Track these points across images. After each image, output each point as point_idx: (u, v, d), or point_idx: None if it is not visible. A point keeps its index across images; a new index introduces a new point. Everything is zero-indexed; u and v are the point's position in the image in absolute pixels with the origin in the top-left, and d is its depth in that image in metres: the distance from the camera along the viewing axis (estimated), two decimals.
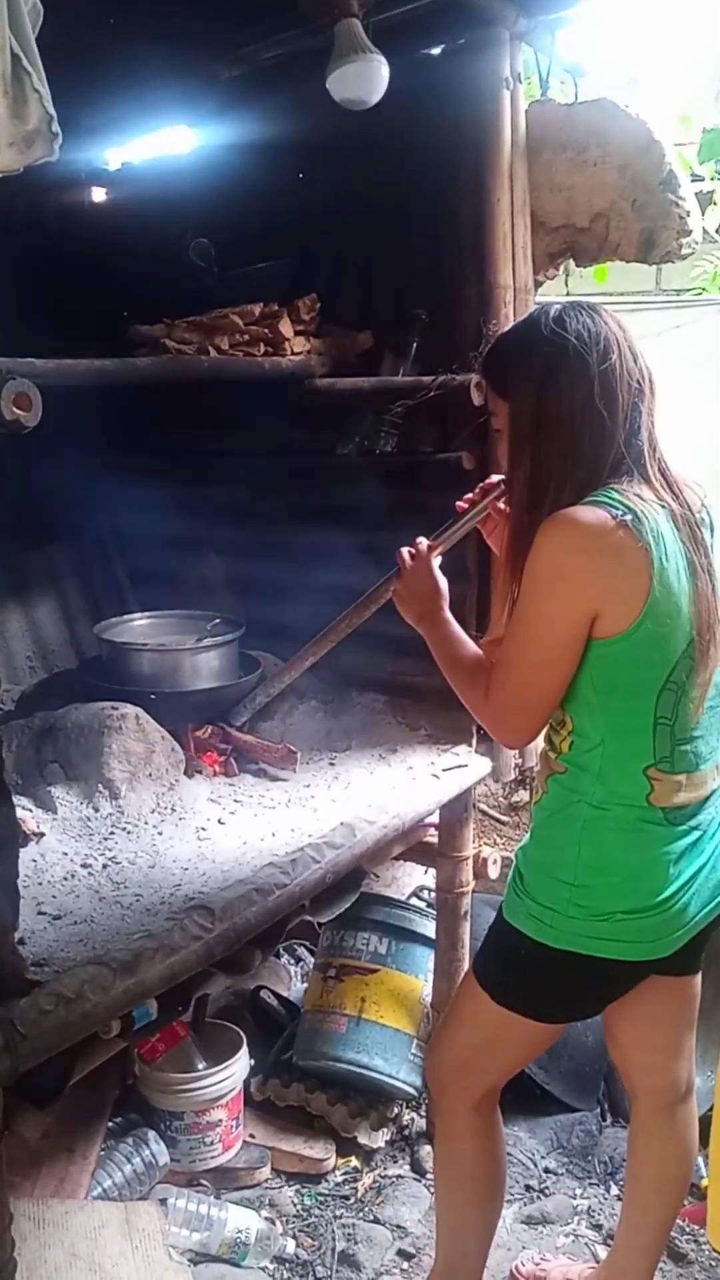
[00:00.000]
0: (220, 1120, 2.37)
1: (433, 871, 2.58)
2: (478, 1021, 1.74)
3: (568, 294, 4.18)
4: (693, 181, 2.43)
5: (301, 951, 3.15)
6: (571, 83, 2.56)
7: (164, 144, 3.02)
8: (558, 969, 1.62)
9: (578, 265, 2.50)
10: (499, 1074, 1.80)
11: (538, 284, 2.49)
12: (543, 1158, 2.49)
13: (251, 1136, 2.47)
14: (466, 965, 2.43)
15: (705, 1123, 2.12)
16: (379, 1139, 2.50)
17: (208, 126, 2.82)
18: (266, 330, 2.36)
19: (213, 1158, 2.37)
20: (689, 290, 4.92)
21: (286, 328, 2.38)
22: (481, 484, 1.86)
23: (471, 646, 1.75)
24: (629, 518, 1.46)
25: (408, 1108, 2.60)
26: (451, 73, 2.36)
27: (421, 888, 3.06)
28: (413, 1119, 2.59)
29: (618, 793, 1.55)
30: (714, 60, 4.05)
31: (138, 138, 3.02)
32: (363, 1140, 2.47)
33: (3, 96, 1.09)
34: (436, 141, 2.38)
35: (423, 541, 1.82)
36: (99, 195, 3.16)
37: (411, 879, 3.14)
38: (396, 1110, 2.57)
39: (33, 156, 1.16)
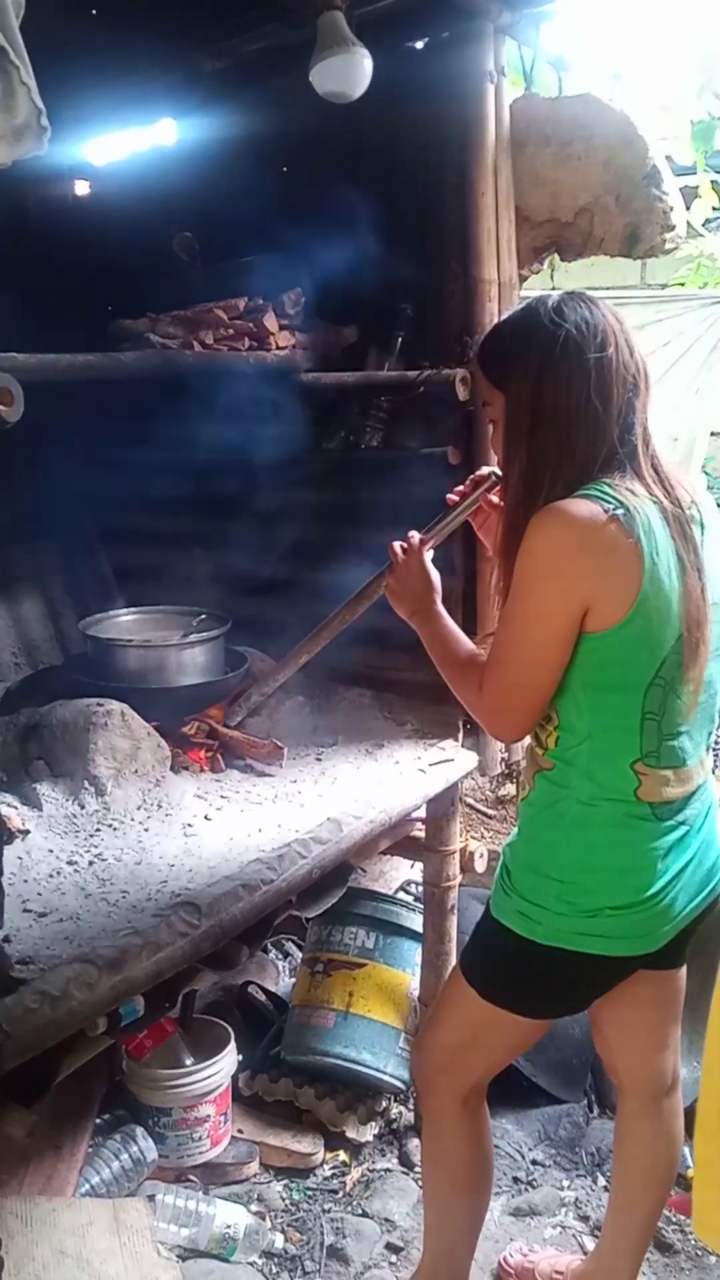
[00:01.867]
0: (208, 1116, 2.37)
1: (419, 866, 2.58)
2: (465, 1017, 1.74)
3: (553, 288, 4.18)
4: (677, 175, 2.44)
5: (289, 946, 3.15)
6: (555, 76, 2.56)
7: (148, 137, 3.00)
8: (546, 965, 1.62)
9: (562, 259, 2.50)
10: (486, 1069, 1.81)
11: (522, 278, 2.49)
12: (530, 1150, 2.50)
13: (240, 1132, 2.47)
14: (454, 959, 2.44)
15: (691, 1114, 2.13)
16: (367, 1133, 2.50)
17: (191, 119, 2.80)
18: (251, 325, 2.36)
19: (201, 1153, 2.37)
20: (672, 284, 4.94)
21: (271, 322, 2.38)
22: (472, 476, 1.85)
23: (465, 641, 1.75)
24: (621, 512, 1.45)
25: (395, 1101, 2.60)
26: (435, 66, 2.36)
27: (409, 882, 3.06)
28: (400, 1113, 2.59)
29: (605, 788, 1.55)
30: (697, 54, 4.05)
31: (121, 131, 3.00)
32: (351, 1134, 2.47)
33: None
34: (420, 135, 2.38)
35: (415, 535, 1.82)
36: (82, 189, 3.15)
37: (398, 873, 3.14)
38: (384, 1104, 2.58)
39: (22, 150, 1.15)
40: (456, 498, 1.84)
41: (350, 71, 1.99)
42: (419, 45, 2.40)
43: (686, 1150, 2.21)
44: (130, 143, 3.05)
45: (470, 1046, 1.77)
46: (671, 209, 2.30)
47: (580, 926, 1.57)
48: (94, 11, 2.21)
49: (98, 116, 2.79)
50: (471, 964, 1.75)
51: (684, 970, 1.81)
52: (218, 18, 2.37)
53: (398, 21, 2.31)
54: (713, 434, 4.90)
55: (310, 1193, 2.38)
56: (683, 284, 4.77)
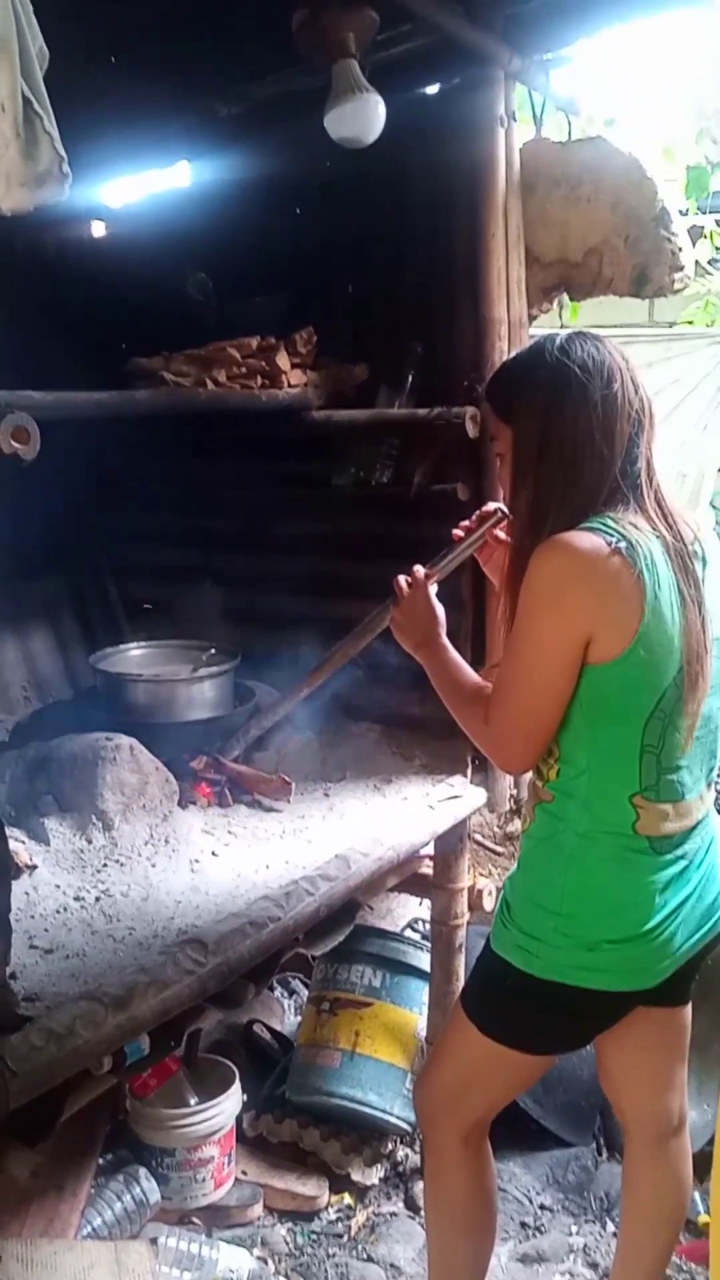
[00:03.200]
0: (212, 1157, 2.34)
1: (427, 903, 2.57)
2: (466, 1053, 1.73)
3: (561, 327, 4.22)
4: (679, 215, 2.47)
5: (295, 984, 3.13)
6: (566, 119, 2.60)
7: (163, 179, 3.05)
8: (544, 1000, 1.61)
9: (572, 299, 2.53)
10: (488, 1106, 1.79)
11: (532, 318, 2.52)
12: (538, 1194, 2.46)
13: (244, 1173, 2.44)
14: None
15: (704, 1158, 2.10)
16: (373, 1176, 2.47)
17: (206, 162, 2.85)
18: (264, 363, 2.38)
19: (204, 1195, 2.34)
20: (680, 322, 4.98)
21: (283, 360, 2.40)
22: (478, 512, 1.87)
23: (470, 673, 1.75)
24: (623, 545, 1.47)
25: (402, 1144, 2.57)
26: (447, 110, 2.40)
27: (416, 919, 3.04)
28: (407, 1155, 2.56)
29: (603, 820, 1.55)
30: (694, 100, 4.14)
31: (137, 173, 3.05)
32: (356, 1177, 2.44)
33: (15, 139, 1.11)
34: (432, 177, 2.42)
35: (419, 569, 1.83)
36: (98, 230, 3.19)
37: (406, 910, 3.12)
38: (390, 1146, 2.55)
39: (44, 196, 1.19)
40: (462, 533, 1.86)
41: (364, 118, 2.02)
42: (431, 90, 2.45)
43: (698, 1195, 2.17)
44: (146, 185, 3.10)
45: (472, 1082, 1.75)
46: (680, 250, 2.32)
47: (578, 960, 1.57)
48: (113, 59, 2.25)
49: (114, 159, 2.83)
50: (472, 998, 1.74)
51: (688, 1009, 1.80)
52: (234, 64, 2.42)
53: (411, 68, 2.36)
54: None
55: (315, 1237, 2.34)
56: (691, 322, 4.81)
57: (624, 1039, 1.74)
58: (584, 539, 1.48)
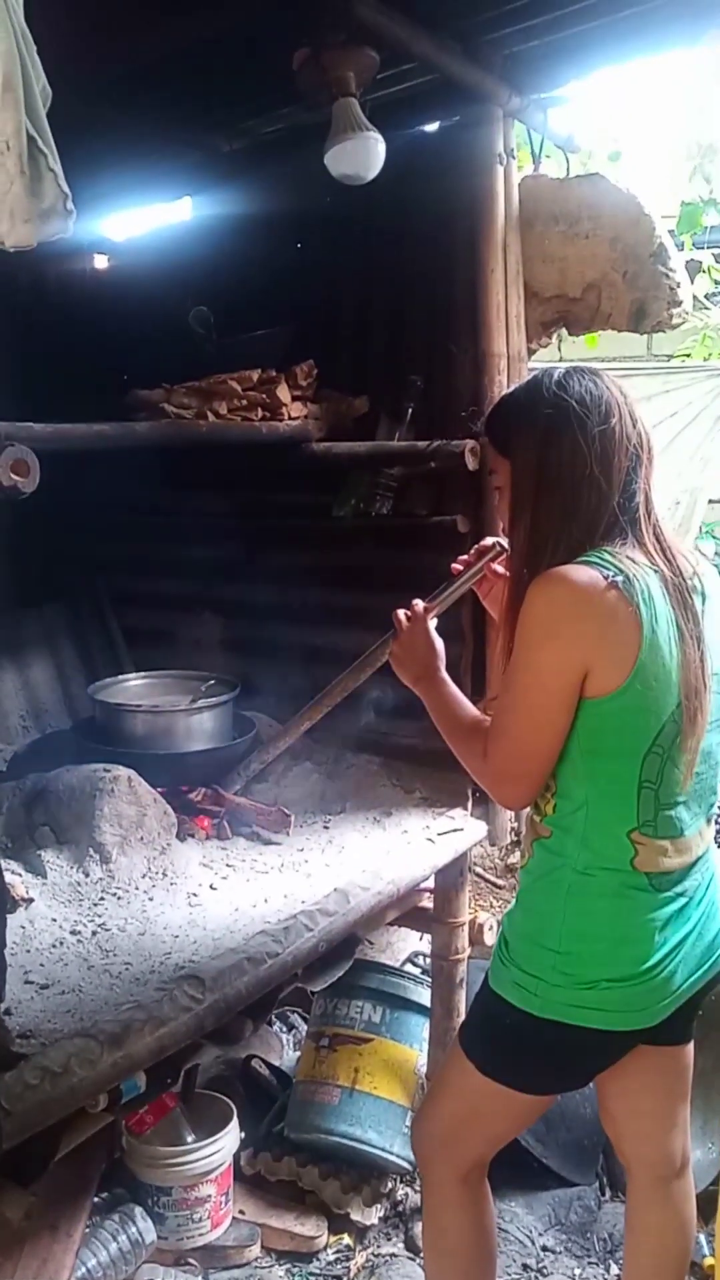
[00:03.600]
0: (209, 1196, 2.30)
1: (428, 936, 2.54)
2: (464, 1092, 1.71)
3: (560, 359, 4.26)
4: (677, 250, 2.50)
5: (294, 1018, 3.09)
6: (564, 156, 2.63)
7: (165, 213, 3.09)
8: (543, 1039, 1.59)
9: (570, 334, 2.55)
10: (486, 1145, 1.76)
11: (531, 351, 2.53)
12: (540, 1235, 2.42)
13: (241, 1213, 2.41)
14: None
15: (709, 1198, 2.07)
16: (372, 1215, 2.43)
17: (208, 197, 2.88)
18: (264, 395, 2.40)
19: (201, 1235, 2.30)
20: (678, 355, 5.02)
21: (284, 393, 2.42)
22: (477, 545, 1.87)
23: (469, 707, 1.75)
24: (620, 579, 1.47)
25: (402, 1182, 2.54)
26: (446, 147, 2.43)
27: (416, 953, 3.01)
28: (407, 1194, 2.52)
29: (601, 856, 1.54)
30: (688, 139, 4.21)
31: (139, 207, 3.08)
32: (355, 1217, 2.40)
33: (20, 176, 1.13)
34: (431, 213, 2.44)
35: (419, 603, 1.83)
36: (100, 263, 3.22)
37: (406, 943, 3.09)
38: (390, 1185, 2.51)
39: (48, 233, 1.21)
40: (461, 567, 1.86)
41: (364, 155, 2.04)
42: (431, 128, 2.48)
43: (701, 1237, 2.14)
44: (148, 219, 3.13)
45: (470, 1121, 1.73)
46: (679, 285, 2.35)
47: (577, 999, 1.55)
48: (116, 96, 2.27)
49: (117, 194, 2.87)
50: (469, 1037, 1.72)
51: (690, 1047, 1.77)
52: (237, 101, 2.45)
53: (411, 106, 2.40)
54: (711, 501, 4.95)
55: (313, 1278, 2.30)
56: (689, 355, 4.85)
57: (625, 1078, 1.72)
58: (581, 572, 1.48)
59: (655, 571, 1.51)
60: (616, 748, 1.51)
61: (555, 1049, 1.61)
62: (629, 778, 1.51)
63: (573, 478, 1.52)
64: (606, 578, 1.47)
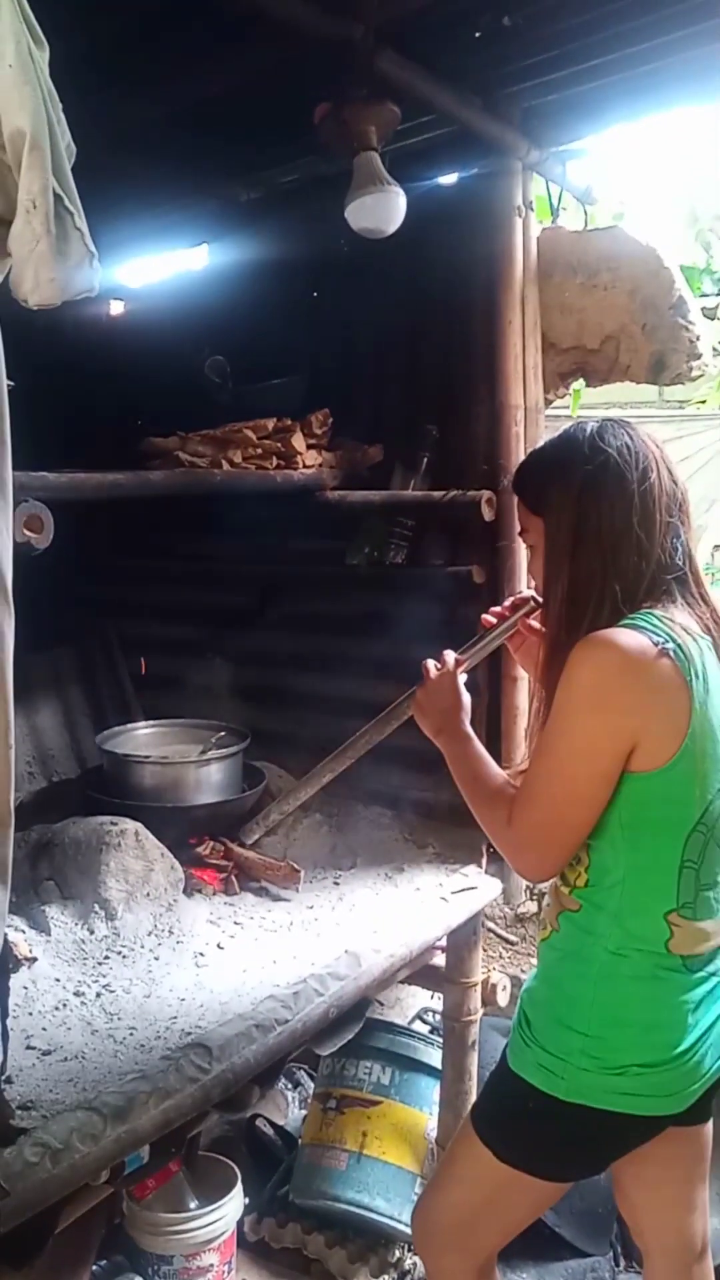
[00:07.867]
0: (212, 1265, 2.23)
1: (438, 994, 2.48)
2: (478, 1180, 1.62)
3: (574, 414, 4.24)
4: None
5: (300, 1076, 3.02)
6: (582, 209, 2.64)
7: (181, 260, 3.10)
8: (568, 1123, 1.51)
9: (589, 385, 2.54)
10: (502, 1235, 1.68)
11: (548, 402, 2.52)
12: None
13: None
14: (474, 1098, 2.32)
15: None
16: None
17: (225, 245, 2.89)
18: (279, 444, 2.39)
19: None
20: (691, 402, 5.03)
21: (299, 441, 2.40)
22: (512, 599, 1.81)
23: (494, 767, 1.66)
24: (671, 646, 1.40)
25: (410, 1251, 2.45)
26: (465, 198, 2.43)
27: (426, 1009, 2.95)
28: (415, 1264, 2.44)
29: (636, 937, 1.47)
30: (690, 202, 4.25)
31: (157, 254, 3.09)
32: None
33: (46, 235, 1.11)
34: (449, 264, 2.44)
35: (450, 654, 1.76)
36: (116, 310, 3.23)
37: (415, 1000, 3.03)
38: (398, 1254, 2.42)
39: (74, 291, 1.19)
40: (494, 619, 1.80)
41: (385, 210, 2.03)
42: (450, 179, 2.48)
43: None
44: (164, 265, 3.14)
45: (484, 1211, 1.63)
46: (698, 338, 2.33)
47: (606, 1084, 1.47)
48: (136, 146, 2.28)
49: (134, 241, 2.88)
50: (486, 1119, 1.63)
51: (709, 1125, 1.70)
52: (255, 150, 2.46)
53: (430, 158, 2.40)
54: (716, 547, 4.94)
55: None
56: (704, 402, 4.85)
57: (644, 1159, 1.63)
58: (629, 638, 1.40)
59: (705, 637, 1.45)
60: (660, 823, 1.44)
61: (582, 1134, 1.53)
62: (671, 855, 1.44)
63: (613, 535, 1.46)
64: (657, 644, 1.39)
